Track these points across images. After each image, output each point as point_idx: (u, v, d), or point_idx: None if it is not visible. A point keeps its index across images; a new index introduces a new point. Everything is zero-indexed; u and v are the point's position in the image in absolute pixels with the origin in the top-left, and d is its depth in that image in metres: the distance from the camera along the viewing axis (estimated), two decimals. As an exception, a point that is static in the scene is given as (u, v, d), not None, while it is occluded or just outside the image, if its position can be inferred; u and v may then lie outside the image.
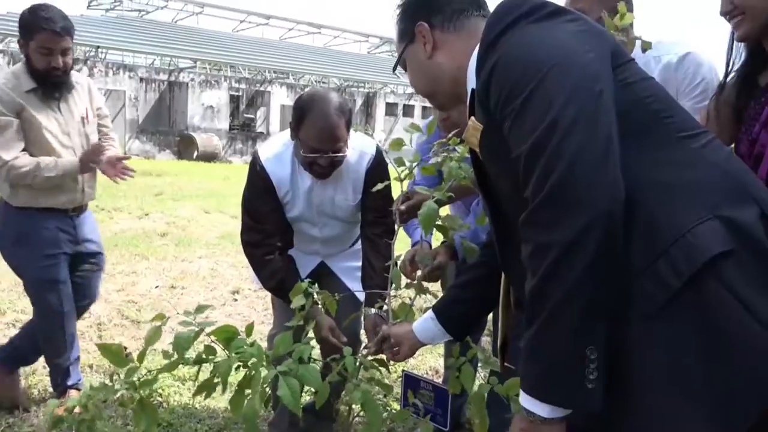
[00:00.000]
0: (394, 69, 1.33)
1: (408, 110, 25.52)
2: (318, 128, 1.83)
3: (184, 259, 5.22)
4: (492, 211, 1.16)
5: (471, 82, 1.10)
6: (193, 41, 22.55)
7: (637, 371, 0.85)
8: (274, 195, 2.01)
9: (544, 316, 0.83)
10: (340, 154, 1.89)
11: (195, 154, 18.50)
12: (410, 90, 25.58)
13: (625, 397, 0.86)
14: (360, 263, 2.14)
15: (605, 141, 0.83)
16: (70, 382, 2.49)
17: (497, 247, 1.18)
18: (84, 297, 2.56)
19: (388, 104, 24.78)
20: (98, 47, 18.72)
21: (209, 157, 18.64)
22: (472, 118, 1.06)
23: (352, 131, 1.97)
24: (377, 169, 2.03)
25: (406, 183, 1.58)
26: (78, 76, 2.47)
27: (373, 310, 1.90)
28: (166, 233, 6.26)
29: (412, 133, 1.63)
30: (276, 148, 2.04)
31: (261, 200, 2.03)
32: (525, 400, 0.88)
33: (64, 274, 2.41)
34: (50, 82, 2.28)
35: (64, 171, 2.28)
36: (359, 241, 2.22)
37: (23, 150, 2.25)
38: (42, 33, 2.20)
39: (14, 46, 19.52)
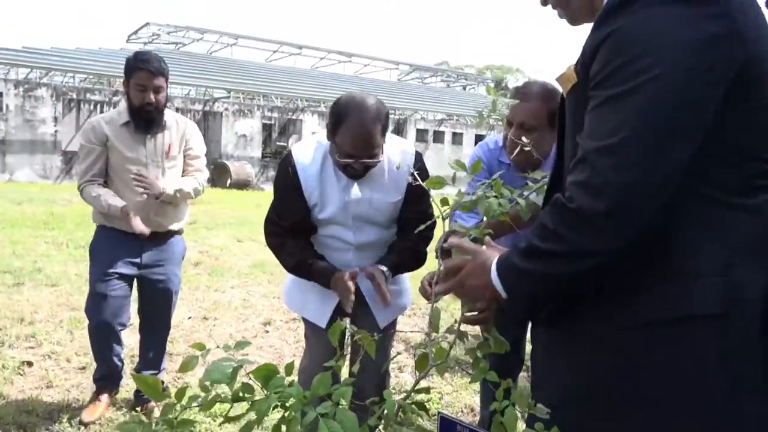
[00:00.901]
0: None
1: (438, 136, 25.54)
2: (353, 135, 1.83)
3: (216, 288, 5.23)
4: (556, 169, 1.14)
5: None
6: (227, 72, 23.09)
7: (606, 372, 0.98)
8: (300, 194, 1.99)
9: (537, 254, 0.94)
10: (375, 160, 1.90)
11: (228, 182, 18.77)
12: (440, 116, 25.66)
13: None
14: (394, 286, 2.11)
15: (656, 190, 0.83)
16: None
17: (544, 199, 1.19)
18: (151, 322, 2.79)
19: (418, 130, 24.86)
20: (136, 79, 19.25)
21: (242, 184, 18.89)
22: (572, 65, 0.99)
23: (389, 134, 1.98)
24: (421, 166, 1.95)
25: (447, 222, 1.52)
26: (176, 117, 2.75)
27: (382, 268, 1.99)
28: (199, 262, 6.29)
29: (456, 170, 1.57)
30: (309, 147, 2.03)
31: (286, 197, 2.03)
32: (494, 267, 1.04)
33: (118, 292, 2.61)
34: (142, 117, 2.55)
35: (109, 211, 2.54)
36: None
37: (104, 175, 2.62)
38: (138, 72, 2.49)
39: (57, 79, 20.28)
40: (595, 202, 0.84)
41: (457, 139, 25.96)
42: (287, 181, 2.00)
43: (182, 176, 2.76)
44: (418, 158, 2.05)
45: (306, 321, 2.21)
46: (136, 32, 25.95)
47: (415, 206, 2.02)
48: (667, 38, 0.82)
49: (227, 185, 18.67)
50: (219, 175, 19.34)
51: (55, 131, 18.27)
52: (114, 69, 18.51)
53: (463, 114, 26.19)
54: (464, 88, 34.52)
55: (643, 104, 0.82)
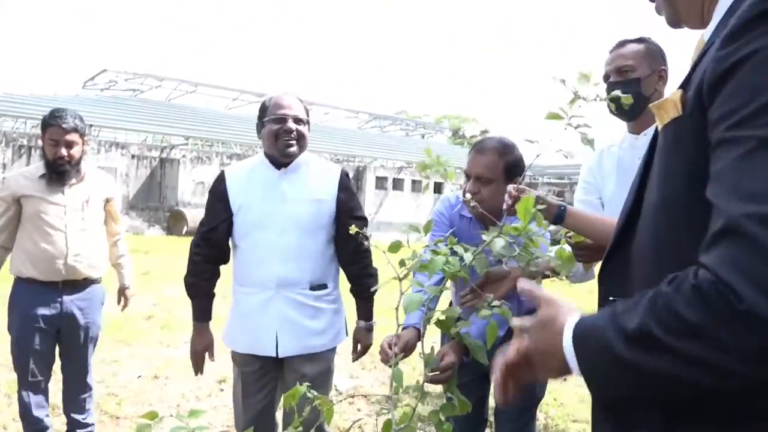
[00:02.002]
0: None
1: (398, 184, 25.78)
2: (280, 99, 2.18)
3: (169, 344, 5.01)
4: (627, 220, 0.88)
5: (709, 30, 0.81)
6: (185, 118, 22.94)
7: None
8: (225, 197, 2.19)
9: (657, 348, 0.63)
10: (302, 120, 2.17)
11: (185, 229, 18.40)
12: (399, 164, 25.96)
13: None
14: (332, 305, 2.25)
15: None
16: None
17: (606, 255, 0.91)
18: (73, 369, 2.79)
19: (378, 178, 25.04)
20: (91, 126, 18.96)
21: (199, 232, 18.53)
22: (679, 91, 0.76)
23: (318, 156, 2.32)
24: (348, 180, 2.27)
25: (405, 283, 1.48)
26: (98, 173, 2.92)
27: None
28: (151, 316, 6.06)
29: (408, 234, 1.55)
30: (242, 162, 2.33)
31: (212, 202, 2.23)
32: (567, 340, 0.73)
33: (39, 344, 2.65)
34: (55, 170, 2.66)
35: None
36: (320, 317, 2.20)
37: (8, 230, 2.70)
38: (51, 127, 2.65)
39: (8, 125, 19.75)
40: (753, 300, 0.56)
41: (416, 186, 26.24)
42: (215, 187, 2.23)
43: (110, 240, 2.97)
44: (345, 173, 2.28)
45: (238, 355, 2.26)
46: (92, 78, 25.65)
47: (347, 214, 2.21)
48: None
49: (183, 233, 18.29)
50: (175, 222, 18.96)
51: (2, 178, 17.68)
52: (68, 115, 18.16)
53: (422, 162, 26.54)
54: (423, 137, 35.16)
55: None
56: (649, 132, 1.89)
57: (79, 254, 2.69)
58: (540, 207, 1.38)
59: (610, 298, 0.85)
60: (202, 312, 2.24)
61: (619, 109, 1.84)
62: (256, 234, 2.14)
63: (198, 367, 2.28)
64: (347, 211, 2.21)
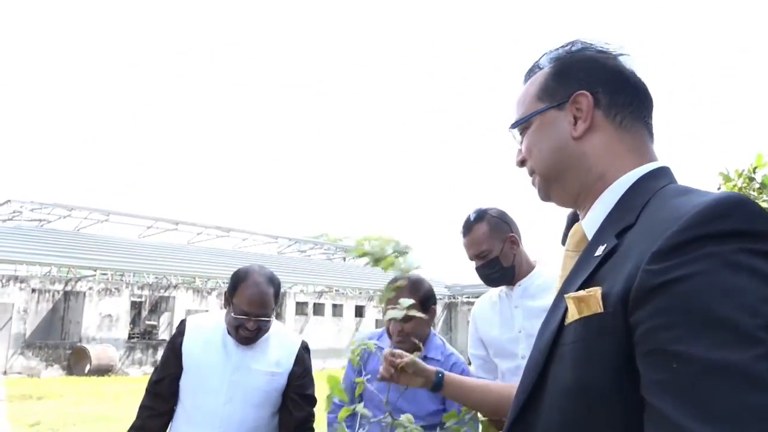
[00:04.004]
0: (515, 126, 1.00)
1: (318, 308, 25.42)
2: (250, 293, 2.07)
3: None
4: (533, 387, 0.85)
5: (594, 220, 0.86)
6: (95, 249, 22.02)
7: None
8: (179, 348, 2.15)
9: None
10: (266, 319, 2.10)
11: (87, 368, 17.02)
12: (319, 288, 25.78)
13: None
14: None
15: None
16: None
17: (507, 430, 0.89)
18: None
19: (298, 303, 24.64)
20: (-13, 259, 17.79)
21: (104, 370, 17.19)
22: (598, 289, 0.77)
23: (281, 326, 2.29)
24: (305, 355, 2.25)
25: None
26: None
27: None
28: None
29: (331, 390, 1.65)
30: (208, 315, 2.29)
31: (167, 360, 2.17)
32: None
33: None
34: None
35: None
36: None
37: None
38: None
39: None
40: None
41: (337, 310, 25.95)
42: (174, 338, 2.20)
43: None
44: (304, 347, 2.26)
45: None
46: (-6, 209, 24.47)
47: (295, 390, 2.17)
48: (748, 309, 0.63)
49: (86, 372, 16.89)
50: (77, 360, 17.53)
51: None
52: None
53: (344, 286, 26.51)
54: (344, 260, 35.39)
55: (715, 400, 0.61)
56: (526, 285, 2.06)
57: None
58: (417, 377, 1.46)
59: None
60: None
61: (491, 284, 2.13)
62: (200, 398, 2.09)
63: None
64: (296, 387, 2.18)
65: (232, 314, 2.09)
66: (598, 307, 0.76)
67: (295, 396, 2.16)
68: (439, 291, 29.14)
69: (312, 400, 2.22)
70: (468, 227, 2.07)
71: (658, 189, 0.81)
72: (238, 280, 2.14)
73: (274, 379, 2.14)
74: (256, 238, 31.39)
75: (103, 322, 19.33)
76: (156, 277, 21.99)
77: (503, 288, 2.16)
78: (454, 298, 28.64)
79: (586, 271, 0.82)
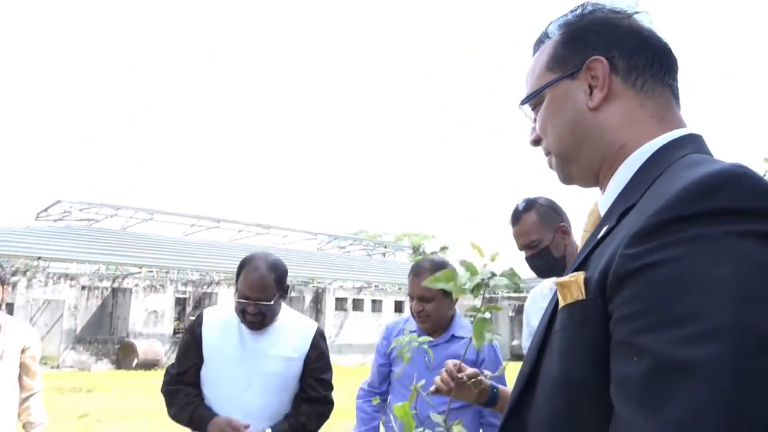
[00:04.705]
0: (525, 101, 0.92)
1: (357, 304, 25.52)
2: (250, 278, 2.11)
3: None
4: (528, 377, 0.81)
5: (608, 198, 0.79)
6: (140, 247, 22.67)
7: None
8: (199, 340, 2.17)
9: None
10: (266, 303, 2.10)
11: (135, 362, 17.53)
12: (358, 284, 25.89)
13: None
14: None
15: None
16: None
17: (502, 423, 0.85)
18: None
19: (337, 299, 24.79)
20: (39, 257, 18.50)
21: (150, 364, 17.67)
22: (581, 273, 0.71)
23: (295, 312, 2.32)
24: (321, 340, 2.26)
25: None
26: (17, 323, 2.81)
27: None
28: (81, 467, 5.57)
29: None
30: (222, 307, 2.33)
31: (185, 343, 2.21)
32: None
33: None
34: None
35: None
36: None
37: None
38: None
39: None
40: None
41: (376, 306, 26.01)
42: (192, 329, 2.22)
43: (21, 395, 2.76)
44: (319, 333, 2.28)
45: None
46: (45, 209, 25.42)
47: (311, 374, 2.19)
48: (736, 291, 0.56)
49: (133, 366, 17.40)
50: (125, 355, 18.07)
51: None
52: (17, 248, 17.74)
53: (383, 281, 26.55)
54: (384, 255, 35.45)
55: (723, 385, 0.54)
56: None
57: None
58: (472, 391, 1.41)
59: None
60: (203, 420, 2.08)
61: (541, 275, 2.07)
62: (220, 387, 2.13)
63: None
64: (312, 371, 2.20)
65: (236, 299, 2.15)
66: (579, 294, 0.71)
67: (311, 380, 2.17)
68: (478, 286, 28.85)
69: (328, 385, 2.22)
70: (517, 217, 2.01)
71: (676, 159, 0.73)
72: (241, 265, 2.18)
73: (290, 364, 2.16)
74: (296, 235, 31.75)
75: (149, 318, 19.88)
76: (199, 274, 22.47)
77: (555, 280, 2.11)
78: (494, 292, 28.35)
79: (582, 255, 0.76)
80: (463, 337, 2.20)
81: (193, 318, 22.99)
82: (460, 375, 1.44)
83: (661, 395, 0.56)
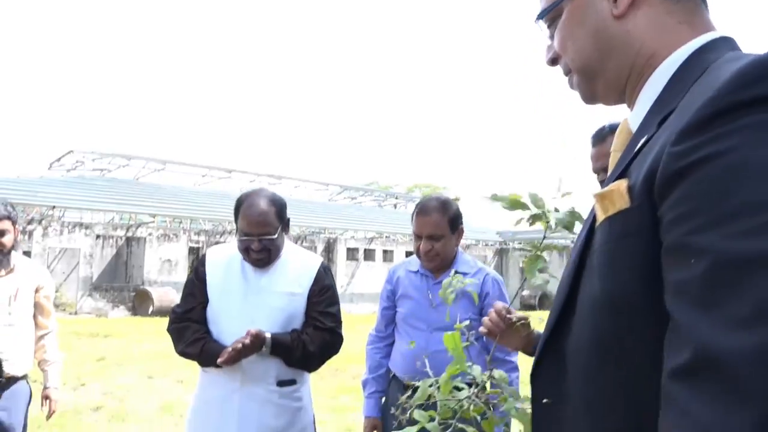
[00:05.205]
0: (542, 16, 0.85)
1: (369, 254, 25.71)
2: (249, 213, 2.07)
3: (115, 438, 4.71)
4: (563, 305, 0.76)
5: (641, 110, 0.74)
6: (153, 196, 22.81)
7: None
8: (203, 279, 2.15)
9: None
10: (268, 237, 2.07)
11: (150, 309, 17.90)
12: (370, 234, 26.00)
13: None
14: (296, 403, 2.13)
15: None
16: None
17: (538, 353, 0.81)
18: None
19: (348, 249, 24.97)
20: (54, 207, 18.68)
21: (165, 311, 18.01)
22: (624, 181, 0.67)
23: (298, 247, 2.28)
24: (325, 274, 2.21)
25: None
26: (29, 263, 2.80)
27: None
28: (100, 406, 5.74)
29: None
30: (225, 245, 2.29)
31: (191, 282, 2.19)
32: None
33: None
34: None
35: None
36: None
37: None
38: None
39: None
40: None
41: (388, 256, 26.19)
42: (196, 269, 2.21)
43: (36, 333, 2.79)
44: (323, 267, 2.23)
45: None
46: (58, 159, 25.53)
47: (315, 308, 2.15)
48: None
49: (149, 312, 17.78)
50: (140, 302, 18.45)
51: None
52: (32, 198, 17.92)
53: (394, 232, 26.65)
54: (395, 207, 35.47)
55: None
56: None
57: (3, 352, 2.58)
58: (519, 336, 1.38)
59: (544, 400, 0.77)
60: (213, 352, 2.00)
61: None
62: (225, 323, 2.10)
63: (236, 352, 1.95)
64: (316, 304, 2.16)
65: (238, 238, 2.11)
66: (623, 203, 0.65)
67: (316, 314, 2.14)
68: (489, 237, 28.92)
69: (334, 318, 2.17)
70: (602, 137, 1.87)
71: (713, 61, 0.67)
72: (238, 203, 2.13)
73: (294, 299, 2.14)
74: (308, 186, 31.78)
75: (163, 267, 20.18)
76: (212, 224, 22.66)
77: (593, 192, 2.04)
78: (505, 244, 28.37)
79: (620, 167, 0.71)
80: (466, 273, 2.16)
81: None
82: (509, 316, 1.38)
83: (726, 293, 0.50)
